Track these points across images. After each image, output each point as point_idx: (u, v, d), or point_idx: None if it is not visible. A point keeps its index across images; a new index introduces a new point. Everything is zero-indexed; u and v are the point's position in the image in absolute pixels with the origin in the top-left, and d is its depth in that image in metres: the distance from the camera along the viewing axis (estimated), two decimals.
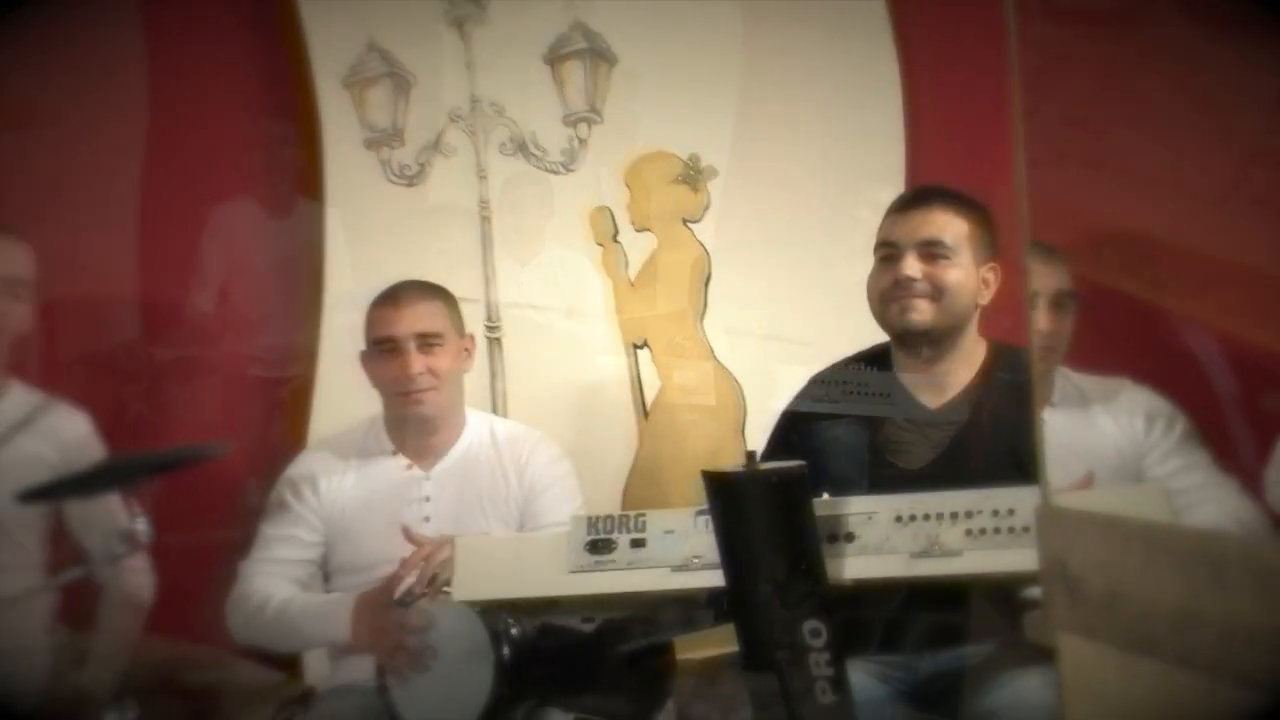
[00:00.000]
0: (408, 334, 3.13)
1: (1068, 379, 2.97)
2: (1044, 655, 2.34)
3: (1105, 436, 2.93)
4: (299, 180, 3.73)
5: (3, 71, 3.62)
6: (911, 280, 2.76)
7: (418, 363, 3.14)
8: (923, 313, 2.79)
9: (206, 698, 3.51)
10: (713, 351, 3.79)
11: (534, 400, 3.73)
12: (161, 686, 3.42)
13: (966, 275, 2.76)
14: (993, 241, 2.79)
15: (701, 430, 3.77)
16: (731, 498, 2.22)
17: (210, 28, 3.74)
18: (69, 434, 3.34)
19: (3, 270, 3.27)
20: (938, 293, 2.78)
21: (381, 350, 3.15)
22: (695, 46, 3.81)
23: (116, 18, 3.63)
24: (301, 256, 3.74)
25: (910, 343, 2.85)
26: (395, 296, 3.20)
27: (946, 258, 2.75)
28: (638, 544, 2.45)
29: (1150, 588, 1.44)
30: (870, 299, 2.88)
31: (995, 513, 2.17)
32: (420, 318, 3.19)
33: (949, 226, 2.77)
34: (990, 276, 2.76)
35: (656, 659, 2.97)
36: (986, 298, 2.78)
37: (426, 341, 3.16)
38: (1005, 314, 2.88)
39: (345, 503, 3.24)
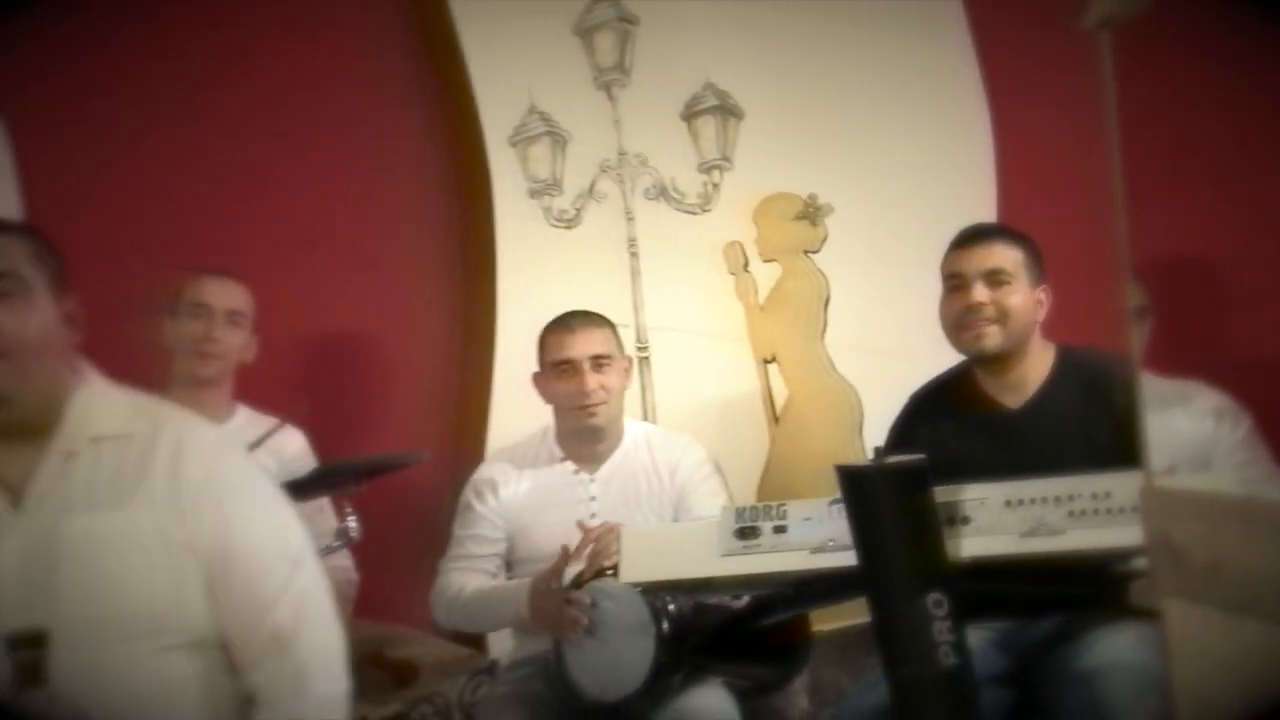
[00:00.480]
0: (583, 356, 3.37)
1: (1145, 382, 3.12)
2: (1140, 620, 2.59)
3: (1180, 433, 3.16)
4: (476, 226, 4.00)
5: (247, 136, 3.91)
6: (981, 305, 2.98)
7: (592, 380, 3.37)
8: (992, 337, 3.00)
9: (407, 669, 3.68)
10: (832, 364, 4.07)
11: (679, 410, 3.99)
12: (368, 660, 3.64)
13: (1025, 298, 2.97)
14: (1042, 268, 3.01)
15: (825, 433, 4.01)
16: (862, 488, 2.32)
17: (396, 96, 4.05)
18: (291, 449, 3.60)
19: (227, 304, 3.55)
20: (1003, 316, 2.99)
21: (560, 370, 3.39)
22: (810, 99, 4.10)
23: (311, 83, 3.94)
24: (478, 293, 4.02)
25: (985, 361, 3.08)
26: (569, 324, 3.44)
27: (1008, 283, 2.96)
28: (780, 530, 2.56)
29: (1251, 555, 1.50)
30: (944, 325, 3.12)
31: (1094, 495, 2.30)
32: (594, 341, 3.43)
33: (1008, 256, 2.99)
34: (1043, 297, 2.99)
35: (795, 630, 3.23)
36: (1042, 315, 3.01)
37: (599, 362, 3.40)
38: (1064, 323, 3.12)
39: (522, 504, 3.47)
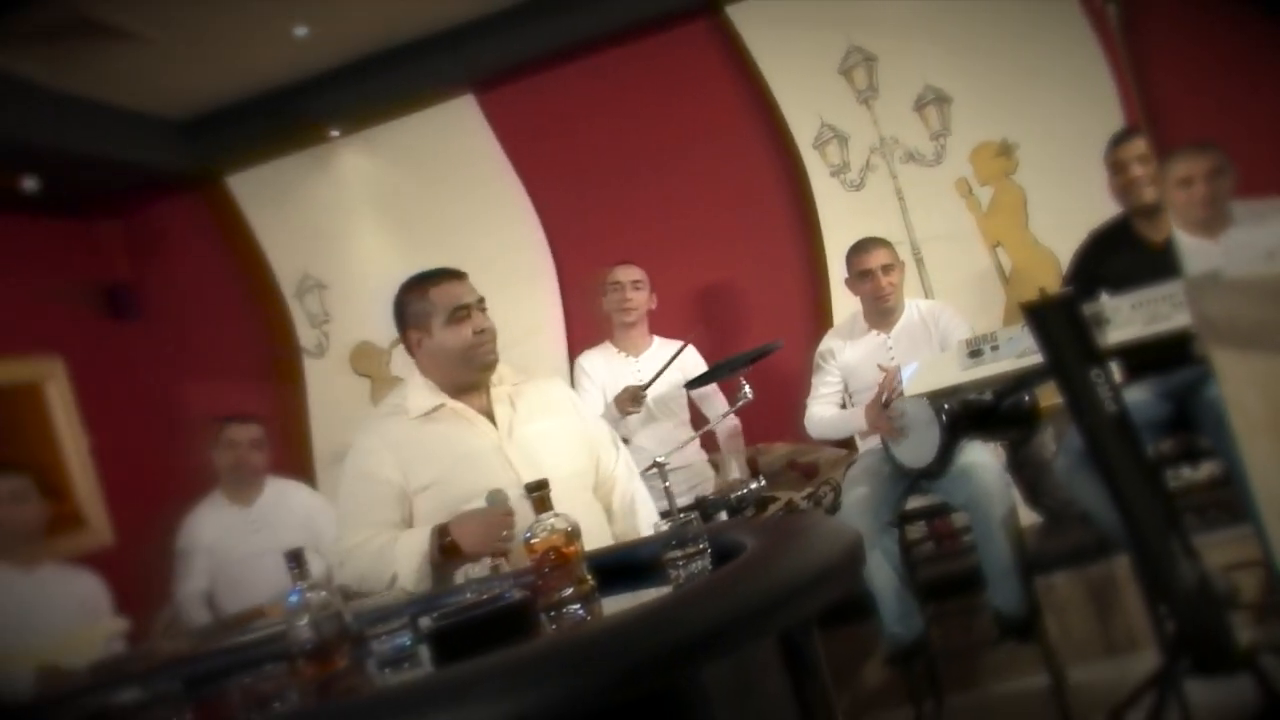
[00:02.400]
0: (876, 265, 4.21)
1: (1242, 206, 3.56)
2: None
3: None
4: (801, 198, 5.21)
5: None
6: (1139, 177, 3.72)
7: (885, 282, 4.20)
8: (1150, 194, 3.70)
9: (811, 467, 4.90)
10: (1036, 240, 5.02)
11: (946, 286, 4.98)
12: (787, 465, 4.92)
13: (1158, 173, 3.65)
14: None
15: (1038, 284, 4.22)
16: (1036, 314, 2.98)
17: (736, 126, 5.33)
18: (691, 359, 4.65)
19: (631, 278, 4.69)
20: (1154, 182, 3.65)
21: (862, 276, 4.23)
22: (986, 80, 5.02)
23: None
24: (809, 238, 5.24)
25: (1141, 212, 3.75)
26: (866, 247, 4.27)
27: (1151, 163, 3.68)
28: (994, 348, 3.18)
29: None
30: (1115, 193, 3.85)
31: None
32: (882, 256, 4.23)
33: (1144, 146, 3.76)
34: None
35: (1029, 404, 3.82)
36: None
37: (888, 269, 4.23)
38: None
39: (848, 358, 4.34)
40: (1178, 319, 2.89)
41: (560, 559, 2.25)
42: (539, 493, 2.31)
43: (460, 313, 3.08)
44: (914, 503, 4.09)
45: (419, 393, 3.15)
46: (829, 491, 4.71)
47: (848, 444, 4.81)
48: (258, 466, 4.68)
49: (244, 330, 5.90)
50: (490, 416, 3.09)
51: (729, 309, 5.33)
